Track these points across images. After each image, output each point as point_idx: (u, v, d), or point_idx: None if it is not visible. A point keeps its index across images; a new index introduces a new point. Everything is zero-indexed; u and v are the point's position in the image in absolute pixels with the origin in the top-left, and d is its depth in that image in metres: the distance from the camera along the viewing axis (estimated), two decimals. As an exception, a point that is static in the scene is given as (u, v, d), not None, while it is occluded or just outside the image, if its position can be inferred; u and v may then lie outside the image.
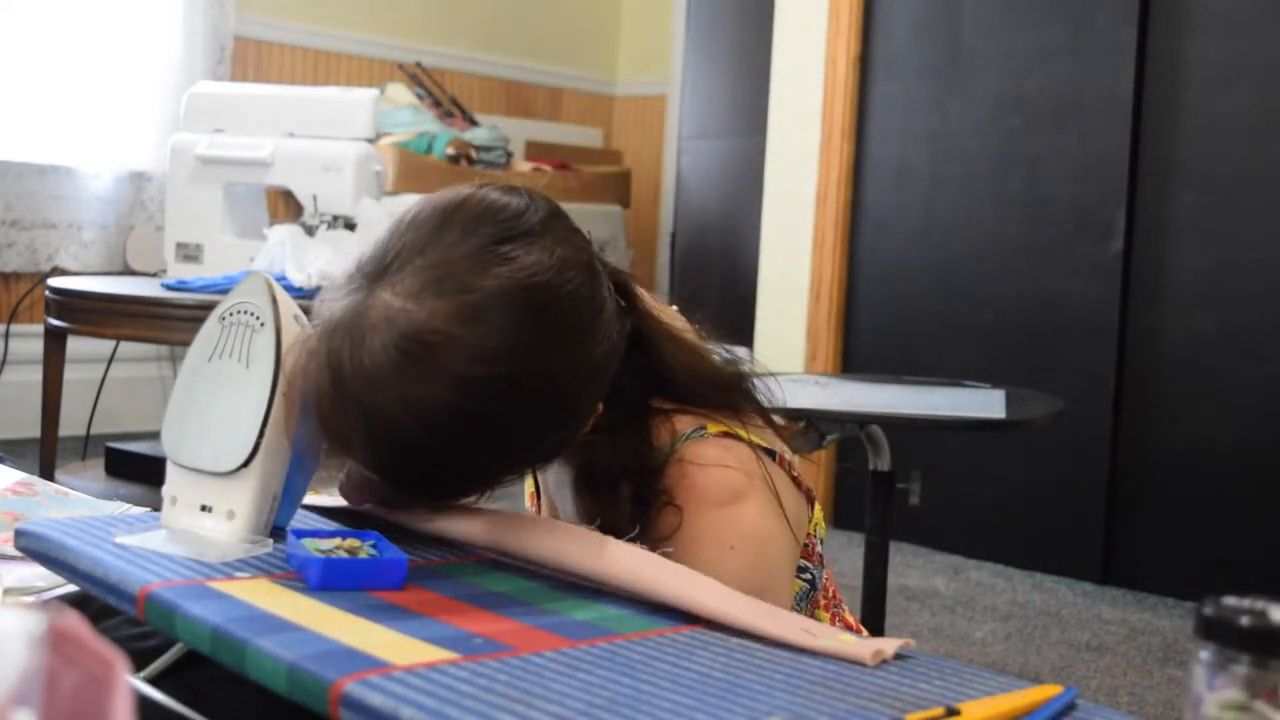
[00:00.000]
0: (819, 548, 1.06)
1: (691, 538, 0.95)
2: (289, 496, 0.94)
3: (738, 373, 1.04)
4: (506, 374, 0.84)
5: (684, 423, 1.00)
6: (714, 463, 0.97)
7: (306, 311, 0.94)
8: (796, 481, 1.03)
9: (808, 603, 1.04)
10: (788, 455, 1.04)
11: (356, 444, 0.88)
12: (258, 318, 0.90)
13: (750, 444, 0.99)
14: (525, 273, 0.86)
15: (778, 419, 1.07)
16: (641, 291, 1.01)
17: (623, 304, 0.96)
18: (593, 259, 0.93)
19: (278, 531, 0.92)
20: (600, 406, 0.93)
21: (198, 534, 0.88)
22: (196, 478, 0.90)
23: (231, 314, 0.92)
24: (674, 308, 1.10)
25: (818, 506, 1.07)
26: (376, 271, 0.87)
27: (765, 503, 0.97)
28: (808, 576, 1.04)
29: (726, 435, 1.00)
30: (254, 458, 0.88)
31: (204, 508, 0.89)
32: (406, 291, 0.85)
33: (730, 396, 1.02)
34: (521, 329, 0.85)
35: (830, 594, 1.10)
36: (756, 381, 1.06)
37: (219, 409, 0.90)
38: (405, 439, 0.85)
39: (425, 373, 0.83)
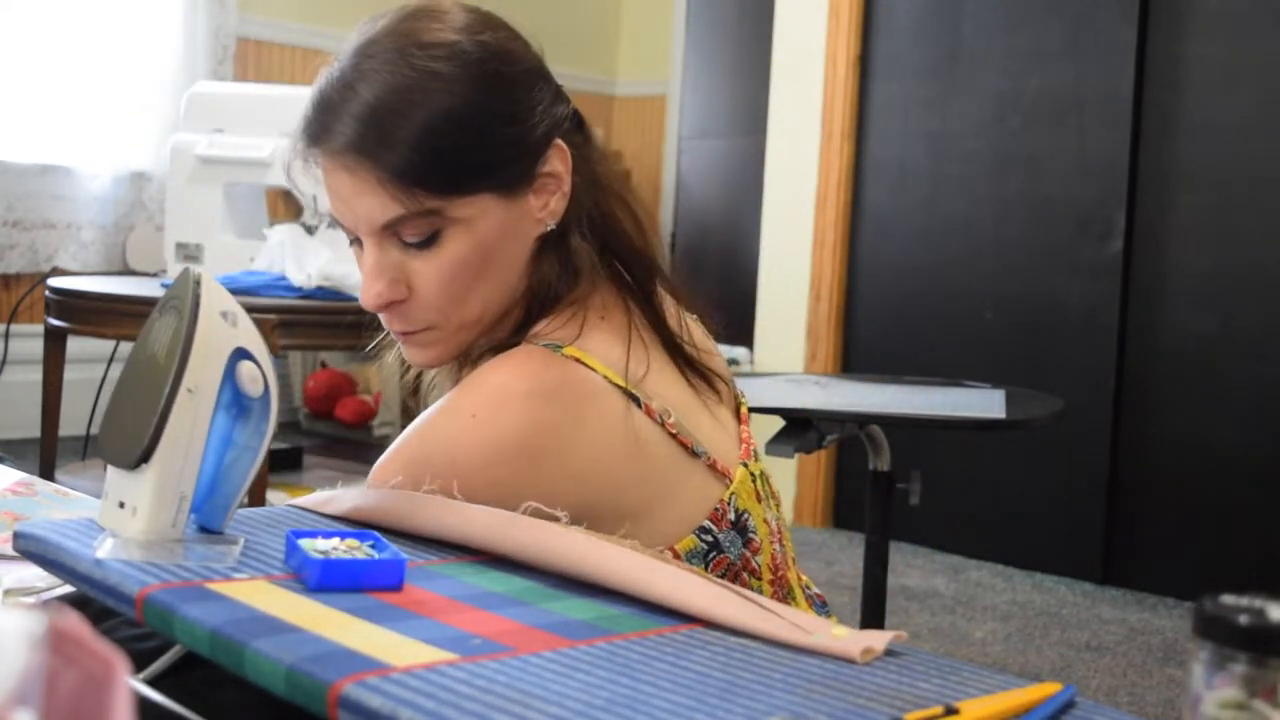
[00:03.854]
0: (732, 515, 1.04)
1: (450, 394, 1.00)
2: (217, 498, 0.91)
3: (654, 262, 1.09)
4: (458, 43, 1.00)
5: (554, 333, 1.02)
6: (515, 367, 0.98)
7: (255, 309, 0.93)
8: (679, 440, 1.01)
9: (705, 563, 1.02)
10: (657, 406, 1.01)
11: (387, 131, 0.97)
12: (178, 311, 0.88)
13: (607, 380, 0.99)
14: (455, 29, 1.02)
15: (706, 349, 1.10)
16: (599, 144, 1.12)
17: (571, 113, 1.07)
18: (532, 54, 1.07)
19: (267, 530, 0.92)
20: (565, 150, 1.03)
21: (117, 531, 0.86)
22: (114, 473, 0.88)
23: (163, 307, 0.90)
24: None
25: (746, 484, 1.06)
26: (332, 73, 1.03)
27: (548, 415, 0.96)
28: (708, 538, 1.02)
29: (576, 362, 0.99)
30: (152, 454, 0.85)
31: (121, 504, 0.87)
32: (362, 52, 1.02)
33: (643, 275, 1.07)
34: (461, 24, 1.02)
35: (776, 575, 1.08)
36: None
37: (132, 403, 0.88)
38: (422, 106, 0.97)
39: (422, 58, 0.98)
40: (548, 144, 1.02)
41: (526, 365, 0.98)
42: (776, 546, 1.10)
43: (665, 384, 1.04)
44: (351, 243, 1.05)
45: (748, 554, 1.05)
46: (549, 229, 1.04)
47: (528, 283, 1.05)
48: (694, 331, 1.12)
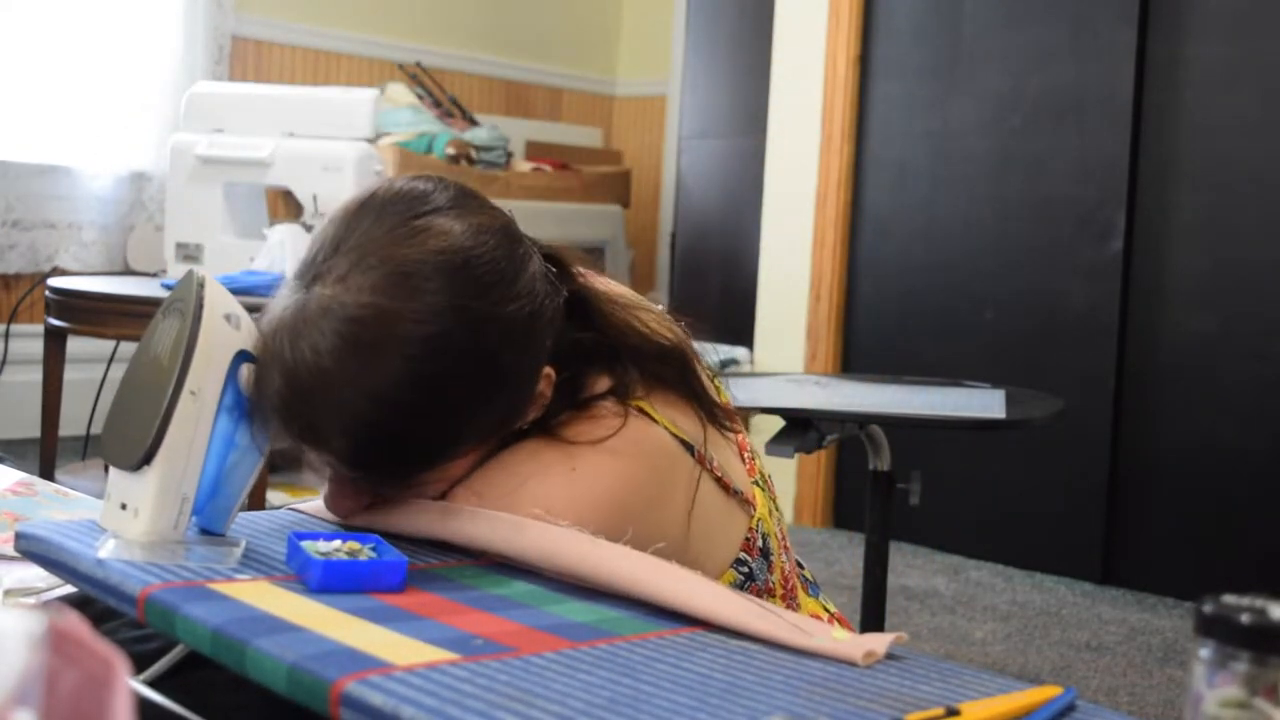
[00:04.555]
0: (760, 542, 1.06)
1: (534, 450, 0.96)
2: (219, 500, 0.91)
3: (676, 345, 1.05)
4: (442, 332, 0.88)
5: (604, 389, 1.00)
6: (602, 422, 0.97)
7: (255, 309, 0.92)
8: (722, 483, 1.03)
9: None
10: (710, 454, 1.02)
11: (322, 436, 0.89)
12: (181, 313, 0.88)
13: (665, 428, 0.99)
14: (442, 239, 0.90)
15: (721, 406, 1.08)
16: (579, 267, 1.04)
17: (554, 270, 0.99)
18: (511, 225, 0.97)
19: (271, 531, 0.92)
20: (551, 373, 0.97)
21: (119, 532, 0.86)
22: (116, 474, 0.88)
23: (166, 309, 0.90)
24: (638, 295, 1.11)
25: (763, 501, 1.08)
26: (306, 273, 0.91)
27: (639, 472, 0.96)
28: (744, 570, 1.04)
29: (641, 412, 0.99)
30: (154, 455, 0.85)
31: (123, 506, 0.87)
32: (335, 279, 0.88)
33: (666, 368, 1.03)
34: (449, 289, 0.89)
35: (787, 588, 1.10)
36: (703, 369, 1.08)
37: (135, 405, 0.88)
38: (366, 419, 0.87)
39: (369, 350, 0.87)
40: (539, 376, 0.96)
41: (616, 423, 0.97)
42: (784, 557, 1.11)
43: (695, 421, 1.04)
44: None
45: (768, 576, 1.07)
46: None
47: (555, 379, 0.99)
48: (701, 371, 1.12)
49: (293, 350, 0.87)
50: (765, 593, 1.06)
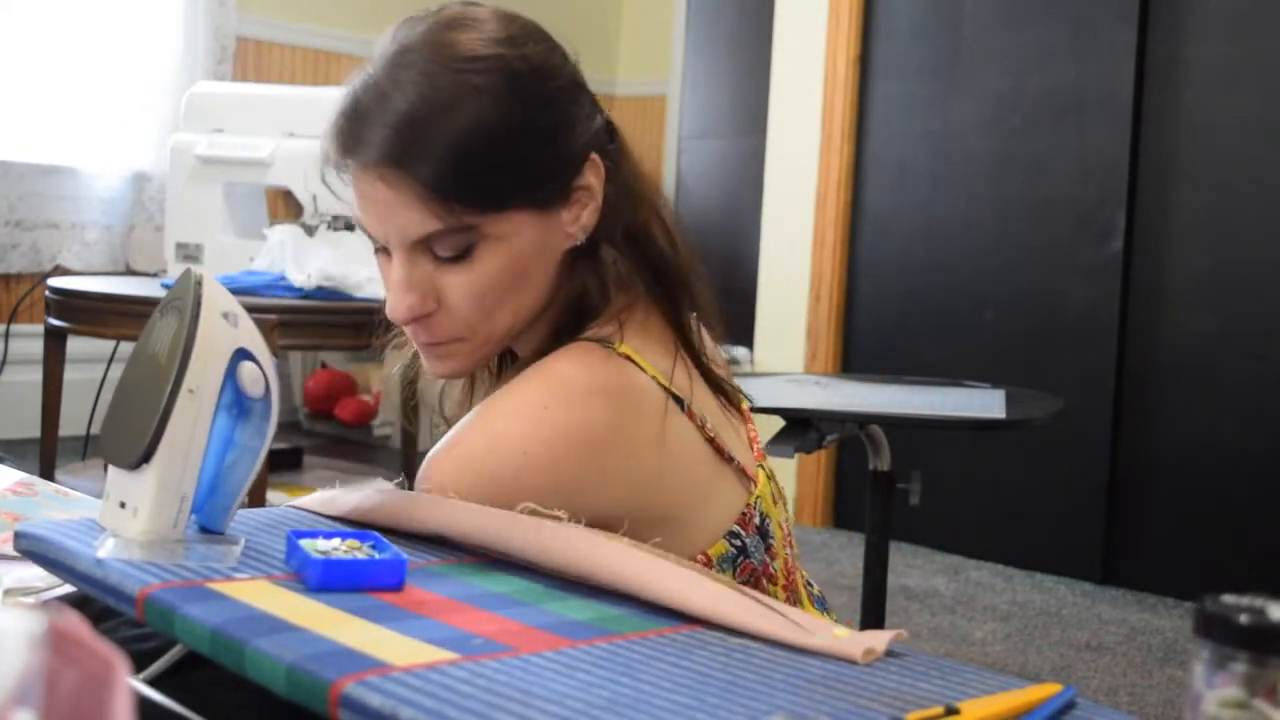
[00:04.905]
0: (758, 520, 1.05)
1: (512, 387, 0.97)
2: (218, 499, 0.91)
3: (694, 273, 1.07)
4: (501, 56, 0.97)
5: (606, 331, 1.01)
6: (580, 361, 0.97)
7: (255, 309, 0.92)
8: (715, 444, 1.03)
9: (734, 569, 1.03)
10: (698, 410, 1.02)
11: (413, 154, 0.95)
12: (179, 311, 0.87)
13: (653, 377, 0.99)
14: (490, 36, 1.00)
15: (718, 362, 1.09)
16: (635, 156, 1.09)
17: (609, 123, 1.07)
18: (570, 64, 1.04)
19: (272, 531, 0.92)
20: (599, 164, 1.02)
21: (118, 531, 0.86)
22: (115, 473, 0.88)
23: (164, 308, 0.89)
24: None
25: (766, 485, 1.07)
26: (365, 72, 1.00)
27: (611, 410, 0.96)
28: (738, 543, 1.03)
29: (628, 359, 0.99)
30: (153, 454, 0.85)
31: (122, 505, 0.87)
32: (393, 79, 0.98)
33: (676, 289, 1.05)
34: (502, 36, 0.99)
35: (789, 579, 1.09)
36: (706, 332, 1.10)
37: (134, 403, 0.87)
38: (443, 130, 0.95)
39: (446, 76, 0.96)
40: (584, 159, 1.01)
41: (589, 359, 0.97)
42: (788, 550, 1.11)
43: (702, 393, 1.04)
44: (377, 251, 1.03)
45: (767, 559, 1.06)
46: (579, 242, 1.03)
47: (563, 294, 1.04)
48: (706, 341, 1.13)
49: (385, 80, 0.97)
50: (763, 575, 1.05)
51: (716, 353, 1.15)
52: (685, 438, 1.00)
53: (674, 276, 1.06)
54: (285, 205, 3.22)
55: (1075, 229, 3.02)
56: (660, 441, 0.98)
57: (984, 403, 1.91)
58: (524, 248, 0.99)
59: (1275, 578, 2.66)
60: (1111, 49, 2.96)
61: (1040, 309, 3.08)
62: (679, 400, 1.00)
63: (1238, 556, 2.78)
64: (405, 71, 0.97)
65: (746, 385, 2.11)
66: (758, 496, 1.05)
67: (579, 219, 1.02)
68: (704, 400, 1.04)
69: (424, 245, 0.98)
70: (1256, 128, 2.79)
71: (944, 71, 3.25)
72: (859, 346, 3.42)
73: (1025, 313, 3.10)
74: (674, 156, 4.48)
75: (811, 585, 1.21)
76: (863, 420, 1.82)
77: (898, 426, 2.04)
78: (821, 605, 1.20)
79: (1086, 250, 3.00)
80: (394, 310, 1.00)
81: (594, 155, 1.02)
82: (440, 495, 0.93)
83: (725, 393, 1.07)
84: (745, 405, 1.14)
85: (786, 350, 3.49)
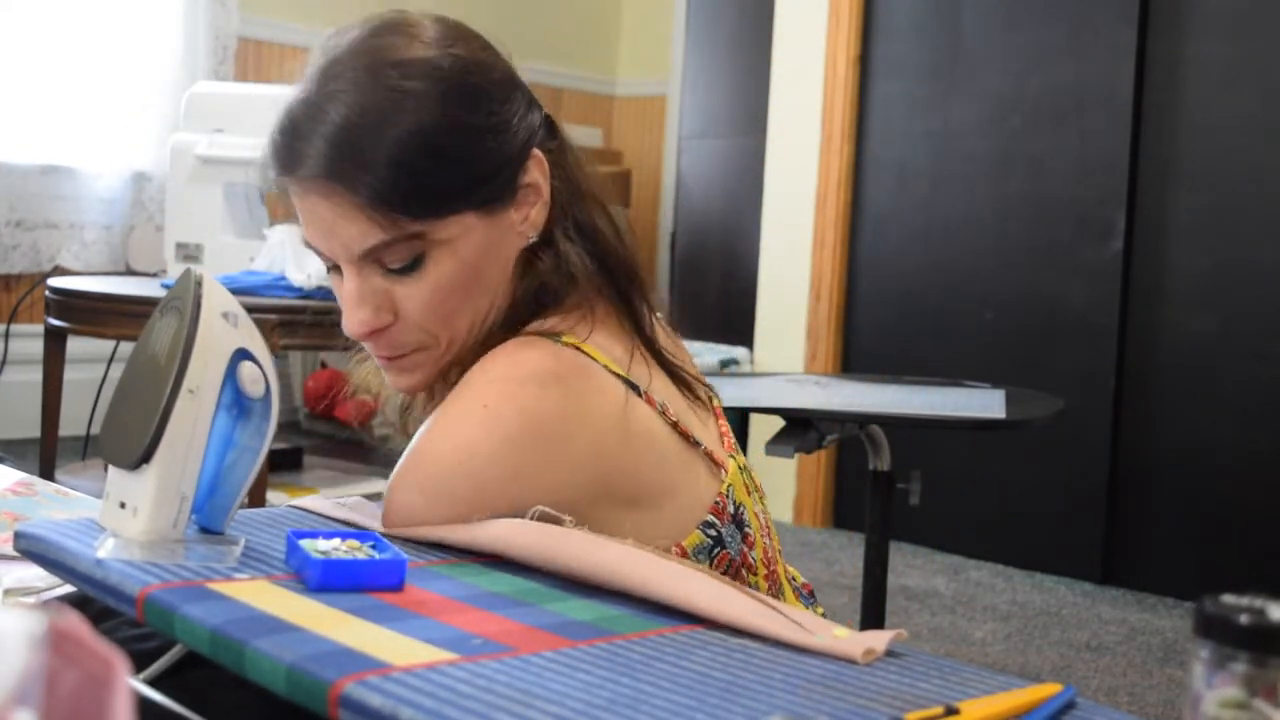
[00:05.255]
0: (732, 509, 1.04)
1: (455, 393, 0.96)
2: (218, 499, 0.91)
3: (635, 268, 1.07)
4: (434, 59, 0.97)
5: (550, 324, 1.01)
6: (516, 354, 0.97)
7: (255, 309, 0.92)
8: (680, 429, 1.02)
9: (710, 559, 1.02)
10: (658, 398, 1.02)
11: (361, 162, 0.94)
12: (179, 311, 0.88)
13: (607, 370, 0.98)
14: (427, 42, 1.00)
15: (681, 356, 1.09)
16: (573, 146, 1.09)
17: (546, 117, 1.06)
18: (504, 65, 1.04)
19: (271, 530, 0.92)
20: (543, 160, 1.02)
21: (118, 532, 0.86)
22: (115, 473, 0.88)
23: (164, 308, 0.89)
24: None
25: (738, 475, 1.07)
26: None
27: (554, 396, 0.94)
28: (713, 533, 1.03)
29: (578, 350, 0.98)
30: (153, 454, 0.85)
31: (122, 505, 0.87)
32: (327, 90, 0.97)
33: (627, 281, 1.05)
34: (438, 39, 0.99)
35: (770, 570, 1.09)
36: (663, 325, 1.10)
37: (133, 404, 0.88)
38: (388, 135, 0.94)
39: (385, 79, 0.96)
40: (526, 155, 1.01)
41: (524, 352, 0.97)
42: (767, 540, 1.10)
43: (661, 382, 1.04)
44: (330, 270, 1.02)
45: (745, 549, 1.05)
46: (531, 240, 1.03)
47: (518, 291, 1.03)
48: (667, 335, 1.13)
49: (317, 98, 0.97)
50: (743, 566, 1.04)
51: (679, 347, 1.15)
52: (646, 421, 0.99)
53: (625, 269, 1.06)
54: (285, 205, 3.21)
55: (1075, 229, 3.02)
56: (619, 425, 0.97)
57: (984, 403, 1.91)
58: (473, 250, 0.99)
59: (1275, 578, 2.66)
60: (1111, 49, 2.96)
61: (1040, 309, 3.07)
62: (634, 387, 1.00)
63: (1238, 556, 2.78)
64: (335, 83, 0.96)
65: (747, 385, 2.12)
66: (729, 485, 1.05)
67: (528, 217, 1.02)
68: (664, 389, 1.04)
69: (372, 258, 0.97)
70: (1256, 128, 2.78)
71: (944, 71, 3.25)
72: (859, 346, 3.42)
73: (1025, 313, 3.10)
74: (674, 156, 4.47)
75: (796, 579, 1.20)
76: (863, 420, 1.82)
77: (898, 426, 2.04)
78: (808, 600, 1.20)
79: (1086, 250, 3.00)
80: (349, 326, 1.00)
81: (536, 151, 1.02)
82: (412, 526, 0.93)
83: (686, 383, 1.07)
84: (716, 402, 1.14)
85: (786, 350, 3.49)
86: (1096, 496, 2.96)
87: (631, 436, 0.98)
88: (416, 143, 0.95)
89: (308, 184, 0.96)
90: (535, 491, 0.92)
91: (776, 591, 1.10)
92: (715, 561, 1.02)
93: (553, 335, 1.00)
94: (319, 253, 1.01)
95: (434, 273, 0.98)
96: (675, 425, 1.02)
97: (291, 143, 0.97)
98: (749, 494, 1.09)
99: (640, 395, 1.00)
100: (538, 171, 1.02)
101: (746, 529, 1.06)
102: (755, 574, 1.06)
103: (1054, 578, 3.00)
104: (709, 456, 1.04)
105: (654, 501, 0.99)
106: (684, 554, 1.00)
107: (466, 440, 0.93)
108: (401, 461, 0.96)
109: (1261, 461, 2.76)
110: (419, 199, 0.95)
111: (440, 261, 0.98)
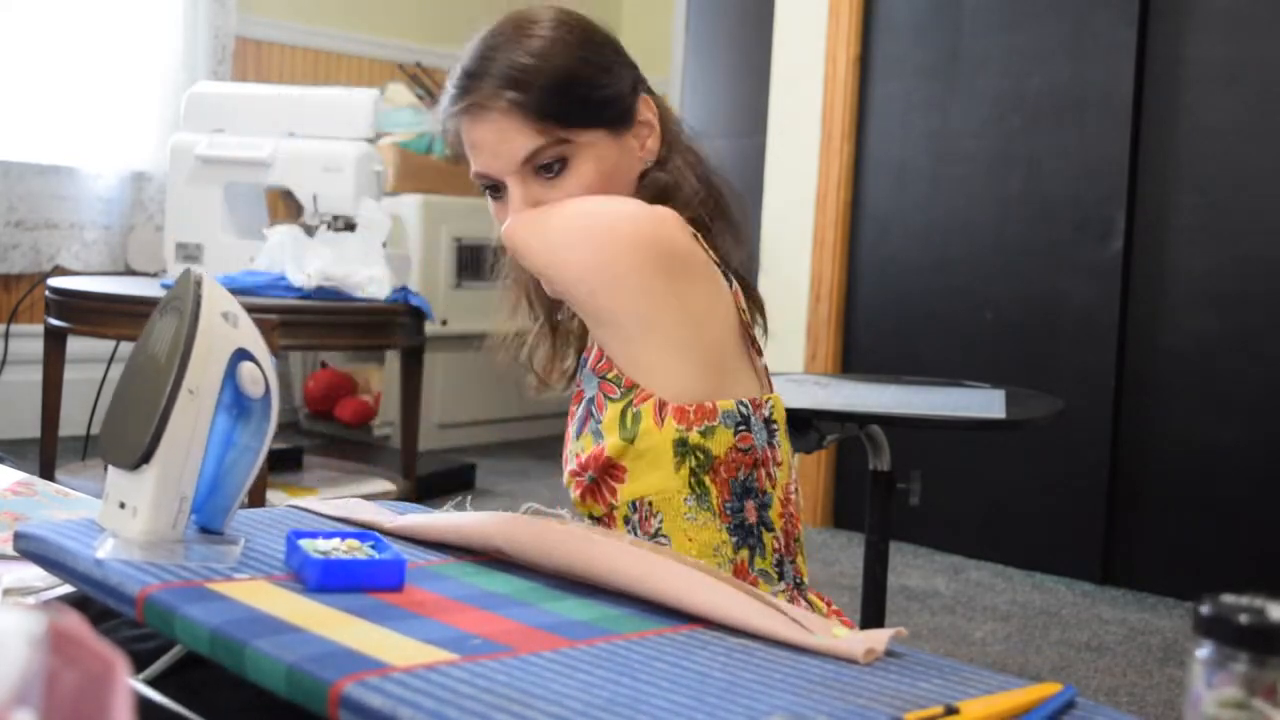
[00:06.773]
0: (768, 412, 1.19)
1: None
2: (218, 499, 0.91)
3: (731, 190, 1.30)
4: (566, 22, 1.23)
5: None
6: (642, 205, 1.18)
7: (255, 309, 0.92)
8: (745, 328, 1.20)
9: (734, 432, 1.15)
10: (740, 301, 1.21)
11: (521, 77, 1.18)
12: (179, 312, 0.88)
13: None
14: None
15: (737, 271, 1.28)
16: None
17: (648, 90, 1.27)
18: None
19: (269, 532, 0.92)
20: (652, 104, 1.25)
21: (118, 532, 0.86)
22: (115, 473, 0.88)
23: (164, 308, 0.90)
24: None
25: (780, 406, 1.21)
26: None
27: (685, 239, 1.16)
28: (744, 412, 1.17)
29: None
30: (152, 454, 0.85)
31: (121, 505, 0.87)
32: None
33: (723, 207, 1.26)
34: (562, 12, 1.25)
35: (785, 508, 1.21)
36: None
37: (133, 404, 0.88)
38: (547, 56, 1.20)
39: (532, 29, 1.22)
40: (638, 94, 1.25)
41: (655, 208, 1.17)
42: (793, 487, 1.22)
43: (741, 297, 1.23)
44: (493, 197, 1.22)
45: (769, 450, 1.18)
46: (648, 165, 1.25)
47: (644, 197, 1.22)
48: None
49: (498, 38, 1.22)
50: (762, 464, 1.17)
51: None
52: (727, 303, 1.18)
53: (721, 196, 1.27)
54: (285, 205, 3.22)
55: (1075, 229, 3.02)
56: (709, 291, 1.16)
57: (984, 403, 1.91)
58: (606, 160, 1.21)
59: (1275, 578, 2.66)
60: (1111, 49, 2.96)
61: (1040, 309, 3.07)
62: (729, 279, 1.19)
63: (1238, 556, 2.78)
64: (495, 39, 1.23)
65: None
66: (772, 401, 1.19)
67: (645, 145, 1.25)
68: (741, 299, 1.21)
69: (532, 163, 1.19)
70: (1257, 128, 2.78)
71: (944, 71, 3.25)
72: (859, 346, 3.42)
73: (1025, 313, 3.10)
74: (674, 156, 4.47)
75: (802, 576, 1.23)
76: (863, 420, 1.82)
77: (898, 426, 2.04)
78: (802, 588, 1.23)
79: (1086, 250, 3.00)
80: (508, 231, 1.19)
81: (645, 95, 1.26)
82: (540, 243, 1.14)
83: (760, 309, 1.27)
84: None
85: (786, 350, 3.49)
86: (1096, 496, 2.96)
87: (715, 305, 1.16)
88: (564, 73, 1.19)
89: (483, 106, 1.19)
90: (650, 296, 1.12)
91: (792, 527, 1.21)
92: (738, 437, 1.15)
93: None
94: (482, 175, 1.21)
95: (577, 176, 1.19)
96: (746, 327, 1.20)
97: (470, 82, 1.20)
98: (786, 432, 1.22)
99: (730, 288, 1.19)
100: (648, 110, 1.26)
101: (775, 439, 1.19)
102: (774, 486, 1.18)
103: (1054, 578, 3.00)
104: (763, 370, 1.22)
105: (708, 366, 1.16)
106: (714, 411, 1.14)
107: (615, 213, 1.15)
108: (534, 214, 1.17)
109: (1261, 461, 2.75)
110: (566, 114, 1.18)
111: (582, 166, 1.19)
